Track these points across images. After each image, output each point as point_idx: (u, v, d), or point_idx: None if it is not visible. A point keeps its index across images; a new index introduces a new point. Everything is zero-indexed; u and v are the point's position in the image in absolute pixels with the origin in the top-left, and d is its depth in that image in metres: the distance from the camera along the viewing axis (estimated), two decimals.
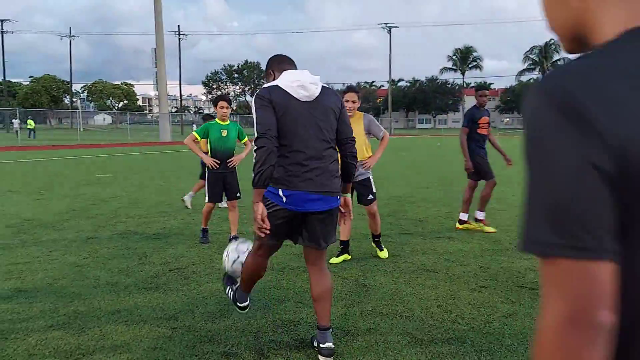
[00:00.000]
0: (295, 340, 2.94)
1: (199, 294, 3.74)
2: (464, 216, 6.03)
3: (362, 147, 4.53)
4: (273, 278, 4.09)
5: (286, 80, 2.58)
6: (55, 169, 13.98)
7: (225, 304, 3.52)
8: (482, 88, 5.97)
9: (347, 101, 4.45)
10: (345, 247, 4.71)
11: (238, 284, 3.03)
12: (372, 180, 4.67)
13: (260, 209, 2.50)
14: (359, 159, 4.48)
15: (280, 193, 2.54)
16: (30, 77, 71.47)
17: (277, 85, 2.59)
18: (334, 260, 4.60)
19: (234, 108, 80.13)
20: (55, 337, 2.96)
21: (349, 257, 4.73)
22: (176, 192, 8.95)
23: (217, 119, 5.33)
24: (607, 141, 0.54)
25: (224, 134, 5.26)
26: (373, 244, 4.91)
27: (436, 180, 11.39)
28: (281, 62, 2.75)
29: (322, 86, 2.66)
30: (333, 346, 2.68)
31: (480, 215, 5.96)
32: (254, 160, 2.48)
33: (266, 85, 2.64)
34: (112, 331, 3.05)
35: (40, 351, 2.78)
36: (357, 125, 4.54)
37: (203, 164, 6.33)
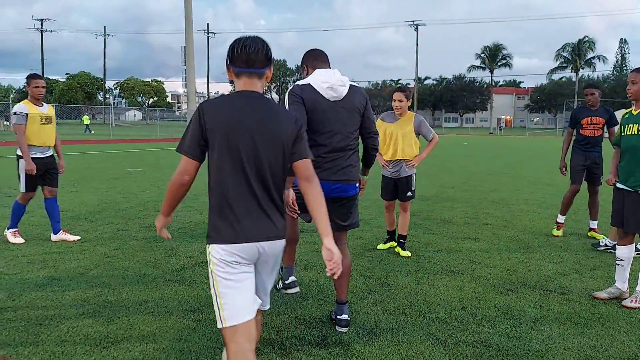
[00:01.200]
0: (317, 337, 2.94)
1: None
2: (561, 218, 5.80)
3: (411, 147, 4.68)
4: (296, 275, 4.11)
5: (318, 80, 2.85)
6: (88, 163, 14.44)
7: None
8: (588, 86, 5.62)
9: (394, 100, 4.60)
10: (392, 237, 5.05)
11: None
12: (414, 178, 4.81)
13: (291, 194, 2.84)
14: (408, 158, 4.69)
15: None
16: (67, 74, 74.07)
17: (309, 84, 2.84)
18: (381, 246, 5.02)
19: None
20: (86, 325, 3.07)
21: (395, 244, 4.98)
22: (202, 187, 9.09)
23: None
24: (205, 120, 1.90)
25: None
26: (396, 244, 4.90)
27: (462, 180, 11.19)
28: (315, 59, 2.97)
29: (350, 85, 2.92)
30: (349, 318, 3.02)
31: (560, 218, 5.80)
32: None
33: (299, 82, 2.89)
34: (139, 321, 3.14)
35: (71, 338, 2.88)
36: (408, 125, 4.69)
37: None
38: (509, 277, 4.15)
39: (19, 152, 4.94)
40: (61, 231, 5.27)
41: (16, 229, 5.15)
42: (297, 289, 3.18)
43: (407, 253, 4.76)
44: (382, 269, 4.33)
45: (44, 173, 5.07)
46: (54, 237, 5.22)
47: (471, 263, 4.57)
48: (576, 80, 64.00)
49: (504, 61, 68.71)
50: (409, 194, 4.74)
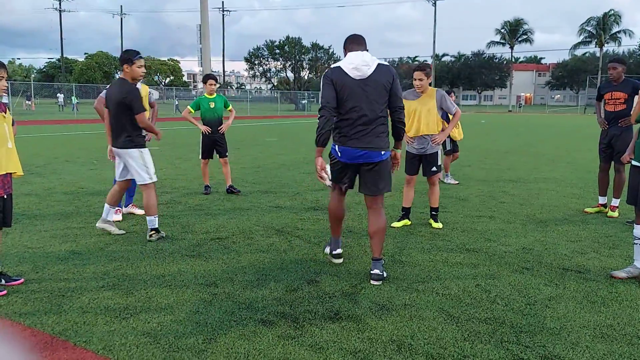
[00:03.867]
0: (330, 311, 2.98)
1: (238, 263, 3.86)
2: (600, 199, 5.77)
3: (435, 122, 4.74)
4: (310, 251, 4.15)
5: (345, 62, 3.27)
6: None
7: (262, 273, 3.62)
8: (612, 60, 5.49)
9: (415, 79, 4.68)
10: (407, 214, 5.04)
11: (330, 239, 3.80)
12: (439, 154, 4.90)
13: (319, 162, 3.34)
14: (432, 133, 4.78)
15: (337, 148, 3.36)
16: (85, 53, 74.55)
17: (339, 66, 3.27)
18: (395, 224, 5.00)
19: (275, 84, 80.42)
20: (106, 297, 3.16)
21: (409, 222, 5.02)
22: (216, 165, 9.16)
23: (205, 94, 6.50)
24: (107, 95, 4.62)
25: (212, 105, 6.49)
26: (410, 222, 4.94)
27: (479, 158, 11.02)
28: (350, 44, 3.36)
29: (379, 64, 3.27)
30: (381, 273, 3.40)
31: (600, 199, 5.76)
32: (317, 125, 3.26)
33: (333, 65, 3.33)
34: (157, 294, 3.22)
35: (92, 309, 2.98)
36: (430, 100, 4.75)
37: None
38: (525, 256, 4.11)
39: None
40: (131, 205, 5.52)
41: (118, 207, 5.23)
42: (340, 260, 3.71)
43: (439, 225, 4.94)
44: (396, 246, 4.34)
45: None
46: (124, 210, 5.47)
47: (486, 241, 4.53)
48: (600, 55, 61.67)
49: (524, 37, 66.39)
50: (434, 169, 4.82)
